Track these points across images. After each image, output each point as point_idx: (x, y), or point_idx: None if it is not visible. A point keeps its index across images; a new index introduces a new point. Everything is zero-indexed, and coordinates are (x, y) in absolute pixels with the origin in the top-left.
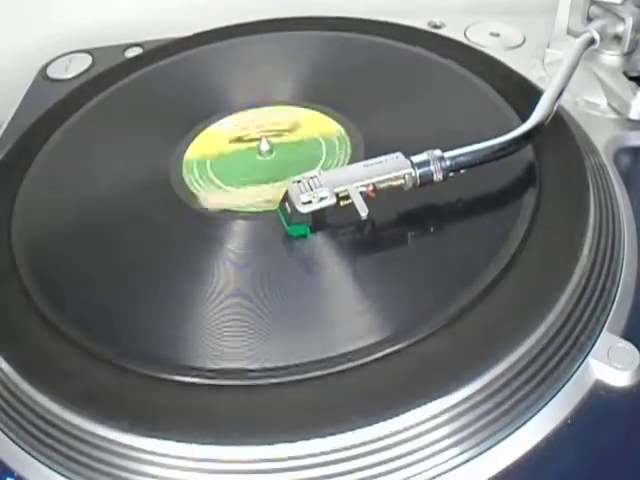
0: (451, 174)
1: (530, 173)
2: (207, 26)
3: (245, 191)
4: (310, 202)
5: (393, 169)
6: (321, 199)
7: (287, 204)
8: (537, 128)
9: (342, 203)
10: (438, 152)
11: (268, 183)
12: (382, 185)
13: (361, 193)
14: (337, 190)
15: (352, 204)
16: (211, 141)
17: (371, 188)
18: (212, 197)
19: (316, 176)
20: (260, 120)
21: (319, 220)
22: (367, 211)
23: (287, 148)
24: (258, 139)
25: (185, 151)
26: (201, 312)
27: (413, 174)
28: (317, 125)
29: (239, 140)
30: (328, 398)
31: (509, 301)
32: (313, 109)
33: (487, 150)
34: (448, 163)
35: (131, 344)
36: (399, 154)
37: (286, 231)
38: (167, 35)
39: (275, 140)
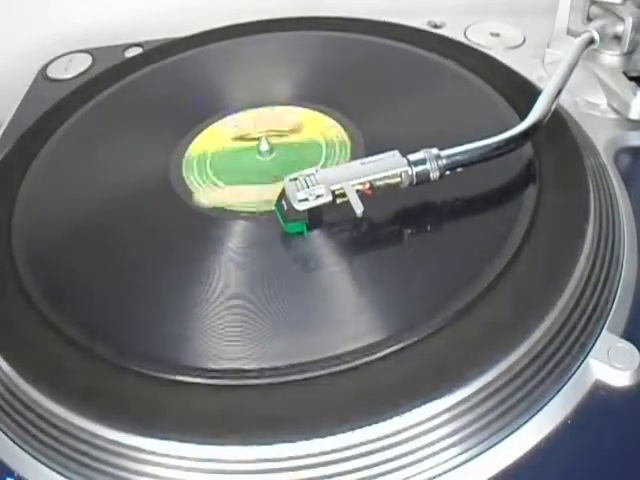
0: (448, 172)
1: (530, 173)
2: (207, 26)
3: (243, 190)
4: (306, 200)
5: (390, 167)
6: (317, 197)
7: (284, 201)
8: (535, 127)
9: (338, 201)
10: (435, 150)
11: (267, 183)
12: (378, 183)
13: (357, 191)
14: (333, 188)
15: (348, 202)
16: (211, 141)
17: (367, 186)
18: (209, 195)
19: (313, 174)
20: (260, 120)
21: (316, 218)
22: (362, 208)
23: (287, 148)
24: (258, 139)
25: (185, 151)
26: (201, 312)
27: (409, 172)
28: (318, 126)
29: (239, 140)
30: (328, 398)
31: (509, 301)
32: (313, 109)
33: (484, 149)
34: (445, 161)
35: (131, 344)
36: (396, 152)
37: (283, 228)
38: (167, 35)
39: (275, 140)
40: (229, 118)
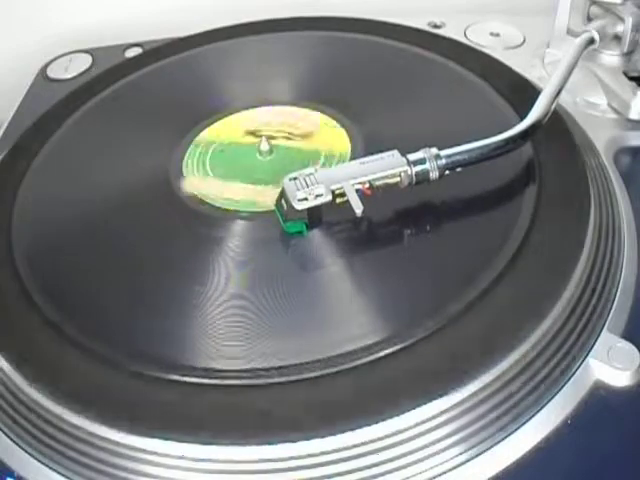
0: (447, 172)
1: (530, 173)
2: (207, 26)
3: (235, 186)
4: (306, 199)
5: (389, 167)
6: (317, 196)
7: (283, 201)
8: (534, 127)
9: (338, 200)
10: (434, 150)
11: (266, 182)
12: (378, 183)
13: (357, 190)
14: (333, 187)
15: (348, 201)
16: (211, 141)
17: (367, 185)
18: (193, 182)
19: (312, 173)
20: (260, 120)
21: (316, 217)
22: (362, 208)
23: (287, 150)
24: (258, 139)
25: (185, 151)
26: (200, 312)
27: (409, 172)
28: (320, 130)
29: (238, 140)
30: (328, 398)
31: (509, 301)
32: (313, 109)
33: (483, 149)
34: (444, 161)
35: (131, 344)
36: (395, 152)
37: (283, 228)
38: (167, 35)
39: (275, 141)
40: (229, 118)
